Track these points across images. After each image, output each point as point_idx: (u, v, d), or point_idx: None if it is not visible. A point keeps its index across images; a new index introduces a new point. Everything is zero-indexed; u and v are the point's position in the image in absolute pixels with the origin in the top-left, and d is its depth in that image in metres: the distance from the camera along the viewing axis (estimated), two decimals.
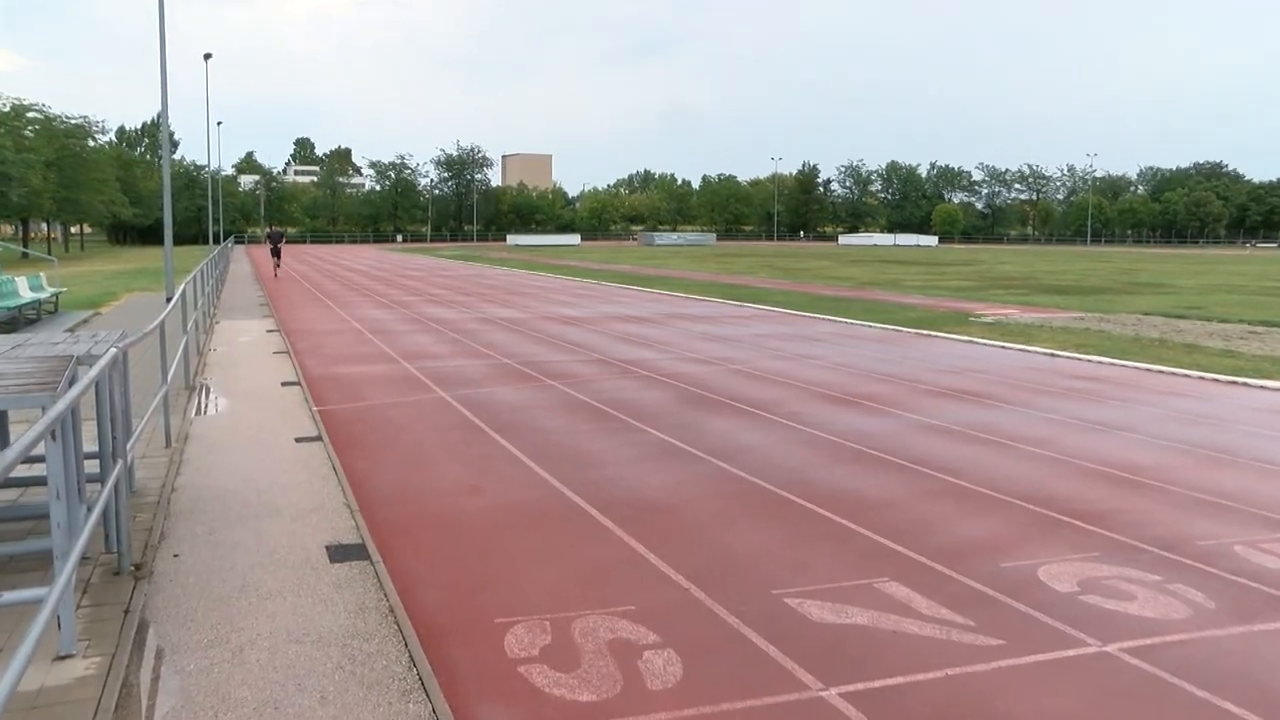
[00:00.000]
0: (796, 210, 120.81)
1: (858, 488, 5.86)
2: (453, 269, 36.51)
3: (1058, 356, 11.92)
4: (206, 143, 44.56)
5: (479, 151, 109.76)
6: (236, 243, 79.01)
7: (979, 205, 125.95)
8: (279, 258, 28.99)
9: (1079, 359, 11.69)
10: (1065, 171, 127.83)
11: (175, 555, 4.61)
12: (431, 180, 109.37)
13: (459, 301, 20.06)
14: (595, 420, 7.80)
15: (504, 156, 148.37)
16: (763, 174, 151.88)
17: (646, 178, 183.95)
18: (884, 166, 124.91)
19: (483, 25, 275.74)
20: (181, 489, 5.75)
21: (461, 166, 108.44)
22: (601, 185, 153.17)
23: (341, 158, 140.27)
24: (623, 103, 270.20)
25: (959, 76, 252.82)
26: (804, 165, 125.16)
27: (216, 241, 60.64)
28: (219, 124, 67.74)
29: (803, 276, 31.45)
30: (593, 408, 8.32)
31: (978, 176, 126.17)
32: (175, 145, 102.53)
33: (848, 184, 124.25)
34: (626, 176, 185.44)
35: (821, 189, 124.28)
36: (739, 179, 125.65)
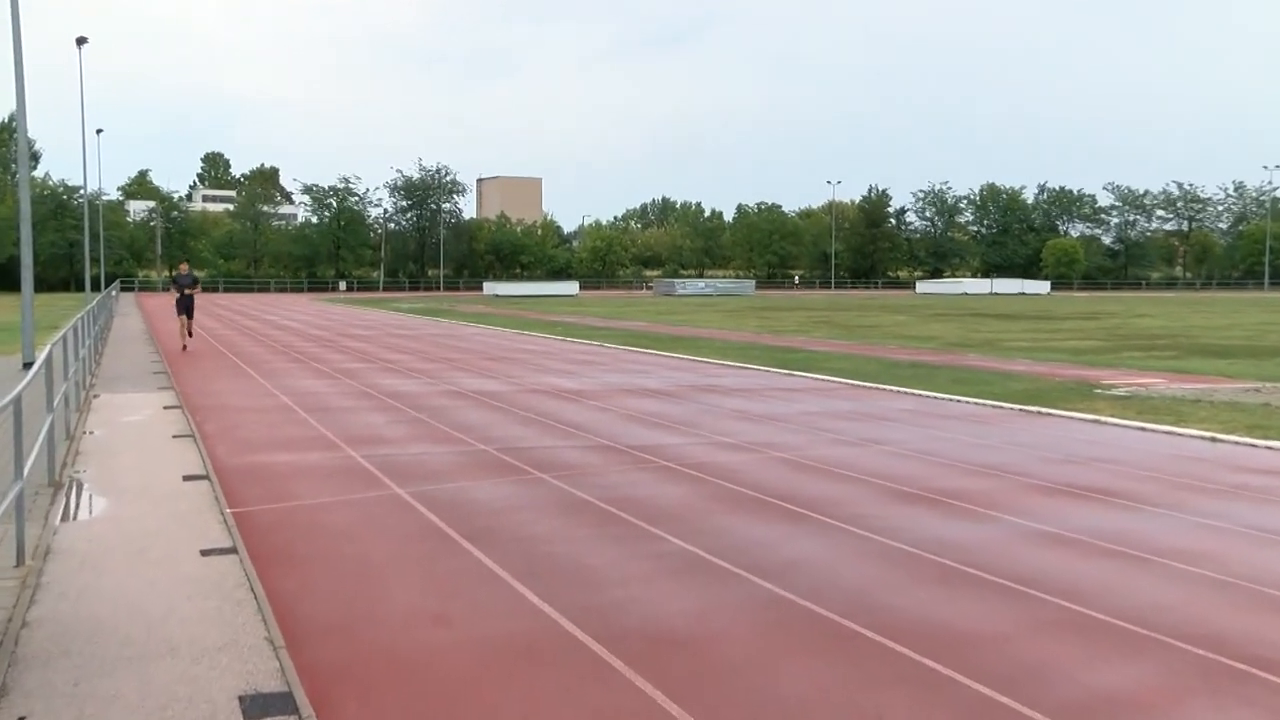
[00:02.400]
0: (861, 249, 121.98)
1: (946, 617, 5.82)
2: (414, 326, 36.89)
3: (1221, 441, 11.87)
4: (82, 157, 45.32)
5: (447, 173, 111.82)
6: (124, 290, 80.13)
7: (1106, 239, 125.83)
8: (190, 314, 24.81)
9: (1253, 445, 11.63)
10: (1231, 192, 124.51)
11: (21, 719, 4.48)
12: (386, 210, 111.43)
13: (422, 370, 20.23)
14: (599, 525, 7.80)
15: (480, 180, 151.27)
16: (816, 203, 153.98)
17: (665, 207, 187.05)
18: (977, 190, 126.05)
19: (453, 9, 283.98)
20: (37, 623, 5.66)
21: (424, 193, 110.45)
22: (607, 217, 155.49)
23: (266, 179, 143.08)
24: (634, 110, 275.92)
25: (1073, 71, 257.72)
26: (870, 190, 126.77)
27: (96, 288, 61.36)
28: (99, 132, 68.97)
29: (870, 336, 31.58)
30: (595, 509, 8.34)
31: (1105, 201, 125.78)
32: (36, 159, 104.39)
33: (928, 214, 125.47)
34: (639, 206, 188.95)
35: (893, 221, 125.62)
36: (785, 209, 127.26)
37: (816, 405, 14.98)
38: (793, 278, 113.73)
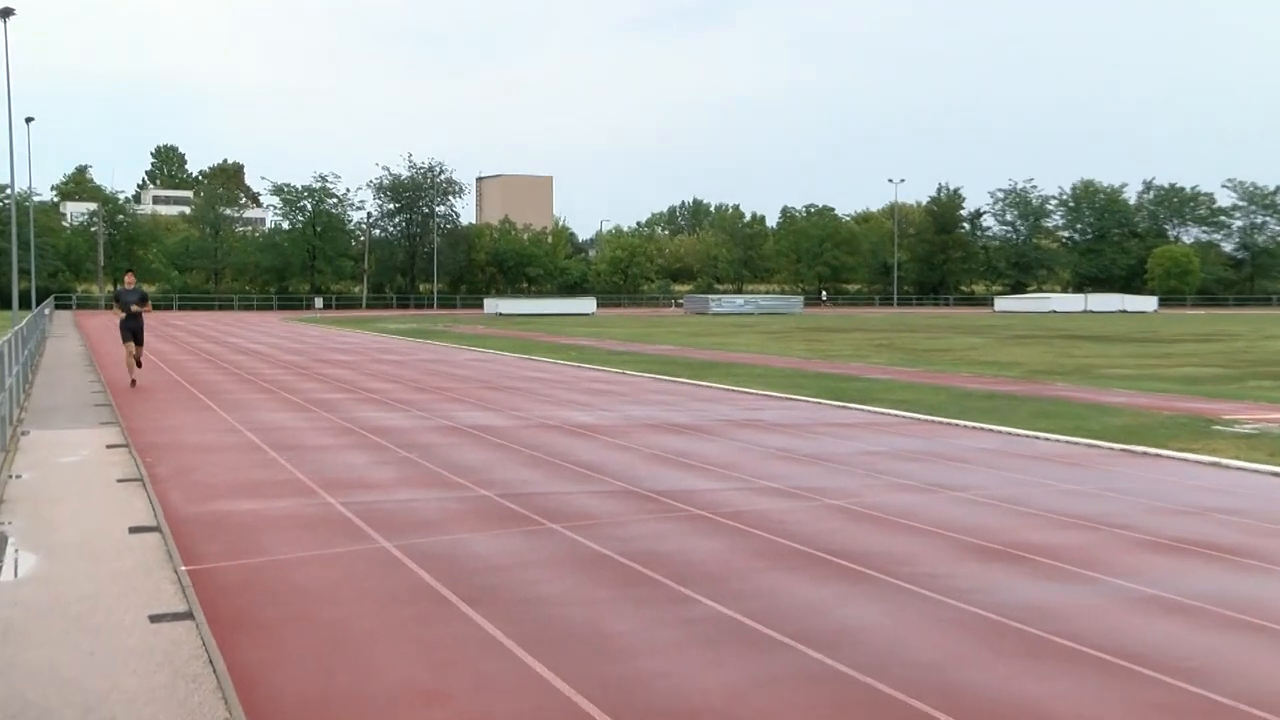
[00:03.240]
0: (929, 259, 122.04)
1: (1033, 698, 5.77)
2: (402, 350, 37.07)
3: None
4: (9, 150, 45.31)
5: (441, 171, 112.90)
6: (60, 306, 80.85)
7: (1227, 246, 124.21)
8: (139, 340, 23.10)
9: None
10: None
11: None
12: (370, 215, 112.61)
13: (411, 401, 20.32)
14: (620, 584, 7.79)
15: (479, 179, 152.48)
16: (875, 205, 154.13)
17: (697, 211, 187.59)
18: (1068, 189, 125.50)
19: None
20: None
21: (415, 194, 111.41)
22: (628, 223, 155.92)
23: (228, 178, 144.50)
24: (660, 98, 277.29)
25: (1183, 44, 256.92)
26: (939, 190, 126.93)
27: (26, 305, 61.99)
28: (29, 121, 69.80)
29: (939, 361, 31.49)
30: (616, 565, 8.32)
31: (1225, 200, 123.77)
32: None
33: (1009, 217, 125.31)
34: (666, 210, 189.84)
35: (967, 226, 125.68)
36: (838, 213, 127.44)
37: (875, 443, 14.93)
38: (821, 294, 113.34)
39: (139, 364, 23.37)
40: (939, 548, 8.99)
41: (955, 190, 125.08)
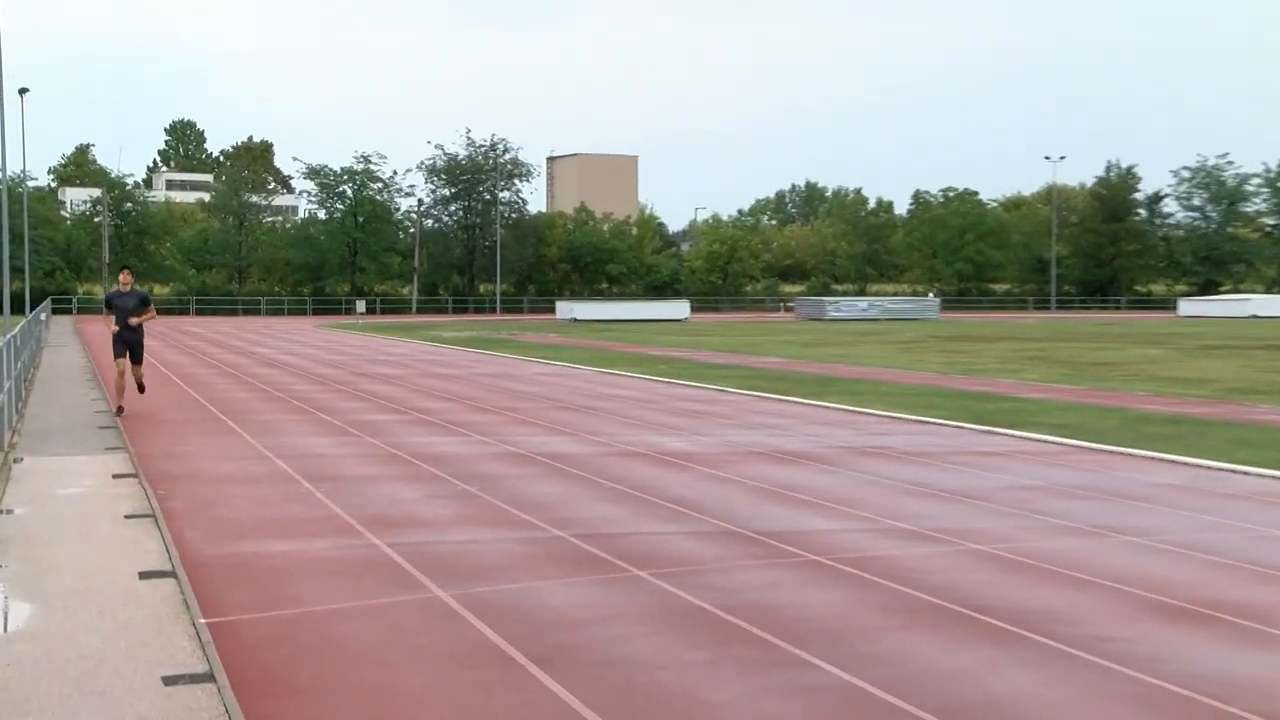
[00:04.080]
0: (1094, 253, 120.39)
1: None
2: (460, 363, 37.35)
3: None
4: None
5: (506, 149, 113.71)
6: (58, 311, 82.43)
7: None
8: (137, 358, 21.55)
9: None
10: None
11: None
12: (421, 202, 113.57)
13: (471, 423, 20.45)
14: (720, 644, 7.75)
15: (551, 159, 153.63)
16: (1028, 188, 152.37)
17: (810, 196, 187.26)
18: (1274, 167, 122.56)
19: None
20: None
21: (474, 177, 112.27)
22: (728, 210, 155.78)
23: (255, 158, 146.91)
24: (767, 62, 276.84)
25: None
26: (1109, 168, 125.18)
27: (19, 309, 62.90)
28: (22, 93, 71.31)
29: (1108, 377, 31.03)
30: (715, 621, 8.28)
31: None
32: None
33: (1197, 201, 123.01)
34: (773, 195, 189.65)
35: (1143, 213, 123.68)
36: (982, 198, 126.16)
37: (1030, 476, 14.76)
38: (929, 295, 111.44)
39: (140, 388, 22.04)
40: (1110, 604, 8.84)
41: (1128, 169, 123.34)
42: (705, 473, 14.93)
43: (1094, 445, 17.53)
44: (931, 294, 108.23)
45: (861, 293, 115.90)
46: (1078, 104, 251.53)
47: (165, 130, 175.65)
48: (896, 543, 10.90)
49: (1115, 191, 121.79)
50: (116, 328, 21.10)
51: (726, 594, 9.00)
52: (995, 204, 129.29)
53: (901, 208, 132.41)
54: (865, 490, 13.69)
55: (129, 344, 21.21)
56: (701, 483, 14.16)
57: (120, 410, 20.87)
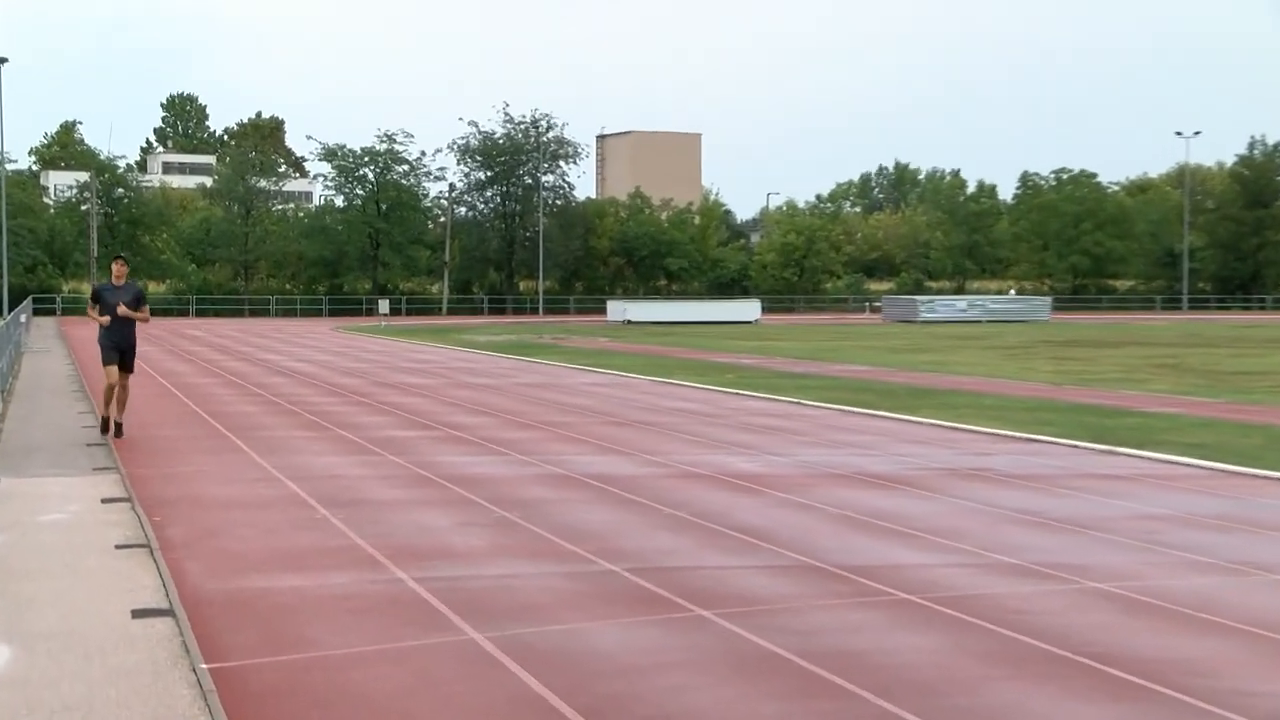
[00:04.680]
0: (1234, 244, 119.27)
1: None
2: (497, 371, 37.44)
3: None
4: None
5: (549, 126, 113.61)
6: (40, 311, 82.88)
7: None
8: (128, 364, 20.28)
9: None
10: None
11: None
12: (452, 188, 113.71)
13: (511, 441, 20.49)
14: (796, 695, 7.75)
15: (601, 138, 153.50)
16: (1157, 169, 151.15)
17: (900, 179, 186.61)
18: None
19: None
20: None
21: (513, 158, 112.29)
22: (805, 196, 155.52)
23: (263, 137, 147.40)
24: (844, 26, 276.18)
25: None
26: (1251, 145, 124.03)
27: None
28: (1, 62, 72.08)
29: (1253, 389, 30.74)
30: (792, 669, 8.28)
31: None
32: None
33: None
34: (857, 178, 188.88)
35: None
36: (1102, 181, 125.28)
37: (1157, 504, 14.65)
38: (1009, 291, 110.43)
39: (120, 406, 20.29)
40: (1254, 654, 8.76)
41: (1275, 146, 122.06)
42: (779, 498, 14.90)
43: (1234, 468, 17.38)
44: (1012, 290, 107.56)
45: (960, 290, 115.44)
46: (1214, 69, 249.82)
47: (162, 106, 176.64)
48: (1001, 579, 10.85)
49: (1260, 172, 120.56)
50: (105, 321, 19.85)
51: (803, 637, 8.98)
52: (1117, 188, 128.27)
53: (1006, 192, 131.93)
54: (964, 519, 13.64)
55: (121, 348, 19.99)
56: (775, 509, 14.15)
57: (113, 428, 20.01)
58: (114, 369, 19.90)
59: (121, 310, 19.87)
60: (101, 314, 19.98)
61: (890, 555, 11.80)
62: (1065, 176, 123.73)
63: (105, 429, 20.25)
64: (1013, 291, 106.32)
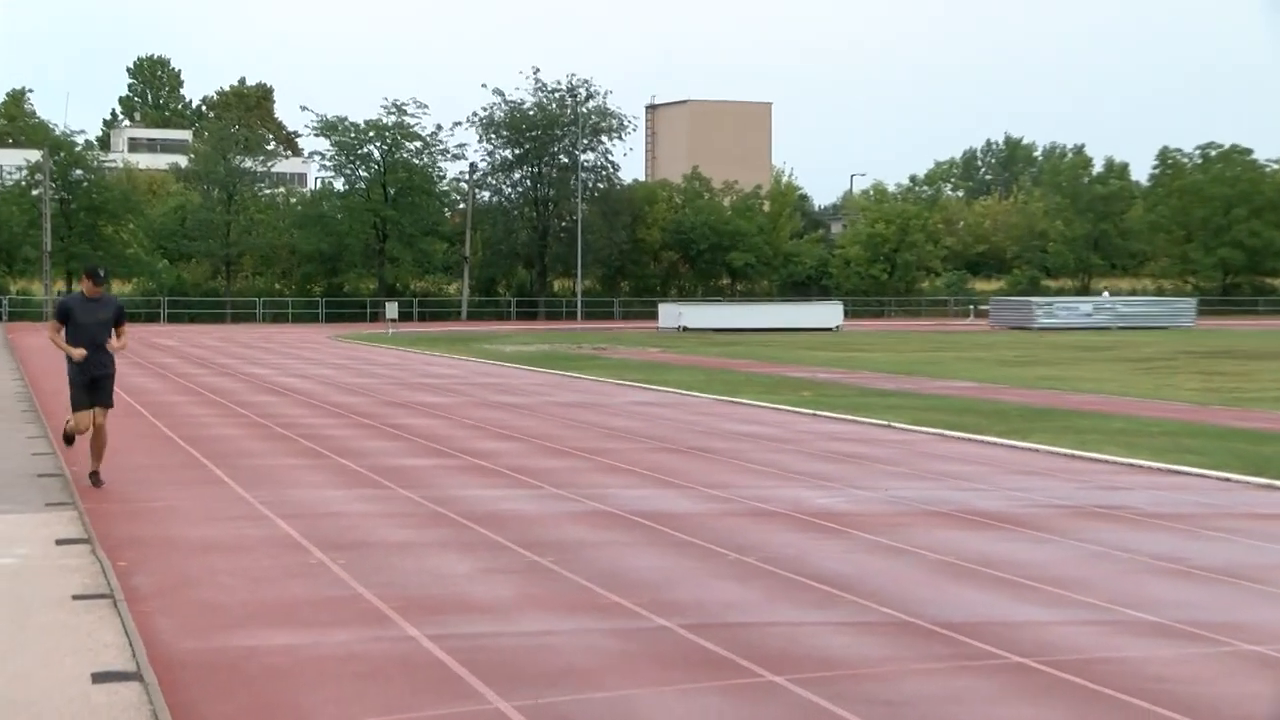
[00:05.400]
0: None
1: None
2: (527, 387, 37.48)
3: None
4: None
5: (589, 95, 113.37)
6: None
7: None
8: (104, 398, 18.49)
9: None
10: None
11: None
12: (474, 168, 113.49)
13: (543, 471, 20.52)
14: None
15: (651, 108, 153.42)
16: None
17: (1011, 157, 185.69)
18: None
19: None
20: None
21: (546, 133, 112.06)
22: (896, 177, 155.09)
23: (249, 109, 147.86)
24: None
25: None
26: None
27: None
28: None
29: None
30: None
31: None
32: None
33: None
34: (959, 156, 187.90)
35: None
36: (1258, 158, 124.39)
37: None
38: (1102, 292, 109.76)
39: (98, 452, 18.87)
40: None
41: None
42: (865, 540, 14.88)
43: None
44: (1106, 293, 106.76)
45: (1084, 290, 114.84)
46: None
47: (128, 71, 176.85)
48: (1135, 640, 10.80)
49: None
50: (79, 355, 17.88)
51: (894, 709, 8.98)
52: (1277, 167, 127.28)
53: (1140, 172, 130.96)
54: (1090, 566, 13.58)
55: (96, 380, 18.26)
56: (860, 554, 14.13)
57: (95, 479, 18.58)
58: (86, 415, 18.27)
59: (113, 345, 18.28)
60: (73, 341, 17.89)
61: (1000, 610, 11.76)
62: (1213, 153, 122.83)
63: (94, 480, 18.53)
64: (1106, 293, 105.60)
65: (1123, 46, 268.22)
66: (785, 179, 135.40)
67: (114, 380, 18.78)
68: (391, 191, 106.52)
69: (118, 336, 18.35)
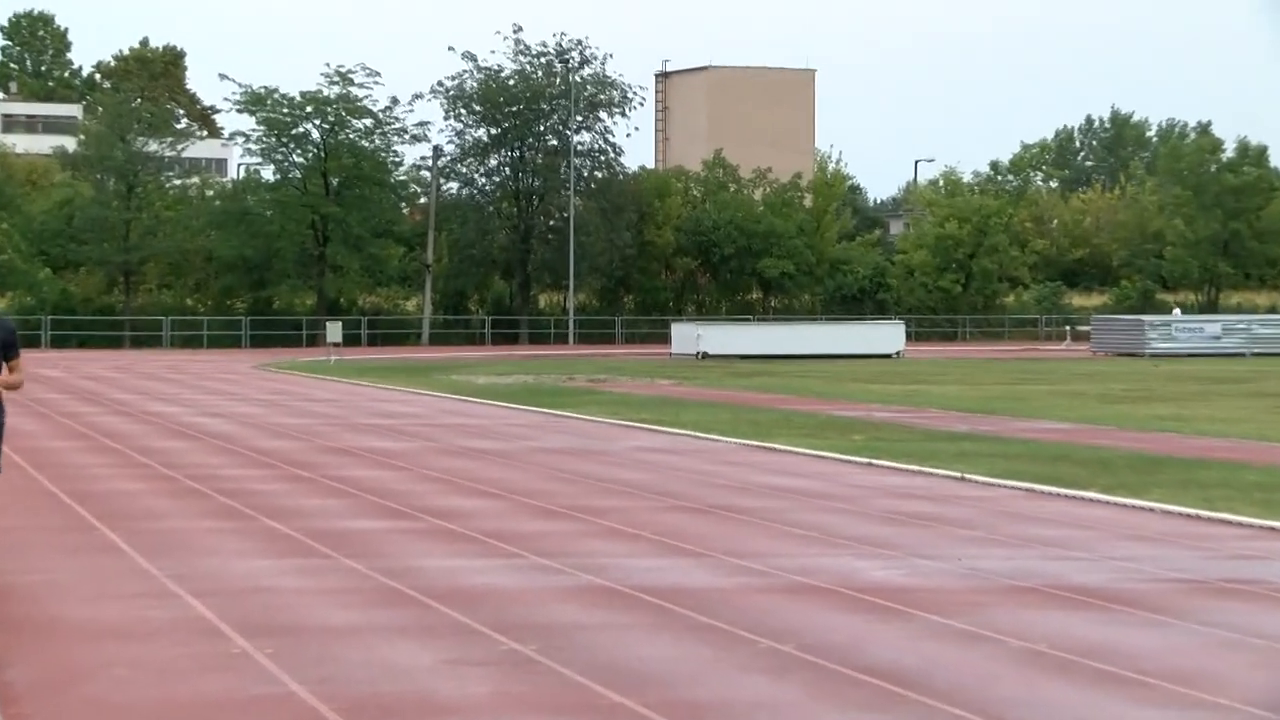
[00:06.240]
0: None
1: None
2: (505, 429, 37.60)
3: None
4: None
5: (585, 59, 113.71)
6: None
7: None
8: None
9: None
10: None
11: None
12: (438, 152, 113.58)
13: (525, 534, 20.53)
14: None
15: (662, 76, 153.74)
16: None
17: (1117, 138, 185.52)
18: None
19: None
20: None
21: (530, 109, 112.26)
22: (972, 166, 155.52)
23: (154, 77, 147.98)
24: None
25: None
26: None
27: None
28: None
29: None
30: None
31: None
32: None
33: None
34: (1050, 137, 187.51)
35: None
36: None
37: None
38: (1172, 309, 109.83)
39: None
40: None
41: None
42: (933, 624, 14.86)
43: None
44: (1177, 310, 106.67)
45: (1211, 306, 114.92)
46: None
47: (2, 32, 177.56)
48: None
49: None
50: None
51: None
52: None
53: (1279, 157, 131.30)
54: (1220, 657, 13.57)
55: None
56: (927, 641, 14.12)
57: None
58: None
59: (2, 382, 16.87)
60: None
61: (1108, 713, 11.74)
62: None
63: None
64: (1177, 311, 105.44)
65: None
66: (832, 166, 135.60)
67: (4, 426, 17.06)
68: (334, 182, 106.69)
69: (8, 371, 16.85)
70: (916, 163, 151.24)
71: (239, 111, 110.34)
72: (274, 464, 29.43)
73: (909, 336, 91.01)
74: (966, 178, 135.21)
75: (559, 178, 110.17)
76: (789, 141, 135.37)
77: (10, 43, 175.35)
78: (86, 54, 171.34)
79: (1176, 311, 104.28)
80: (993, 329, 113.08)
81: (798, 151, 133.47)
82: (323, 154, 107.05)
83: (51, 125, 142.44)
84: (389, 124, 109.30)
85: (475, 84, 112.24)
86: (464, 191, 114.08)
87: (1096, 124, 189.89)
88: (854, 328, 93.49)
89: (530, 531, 20.72)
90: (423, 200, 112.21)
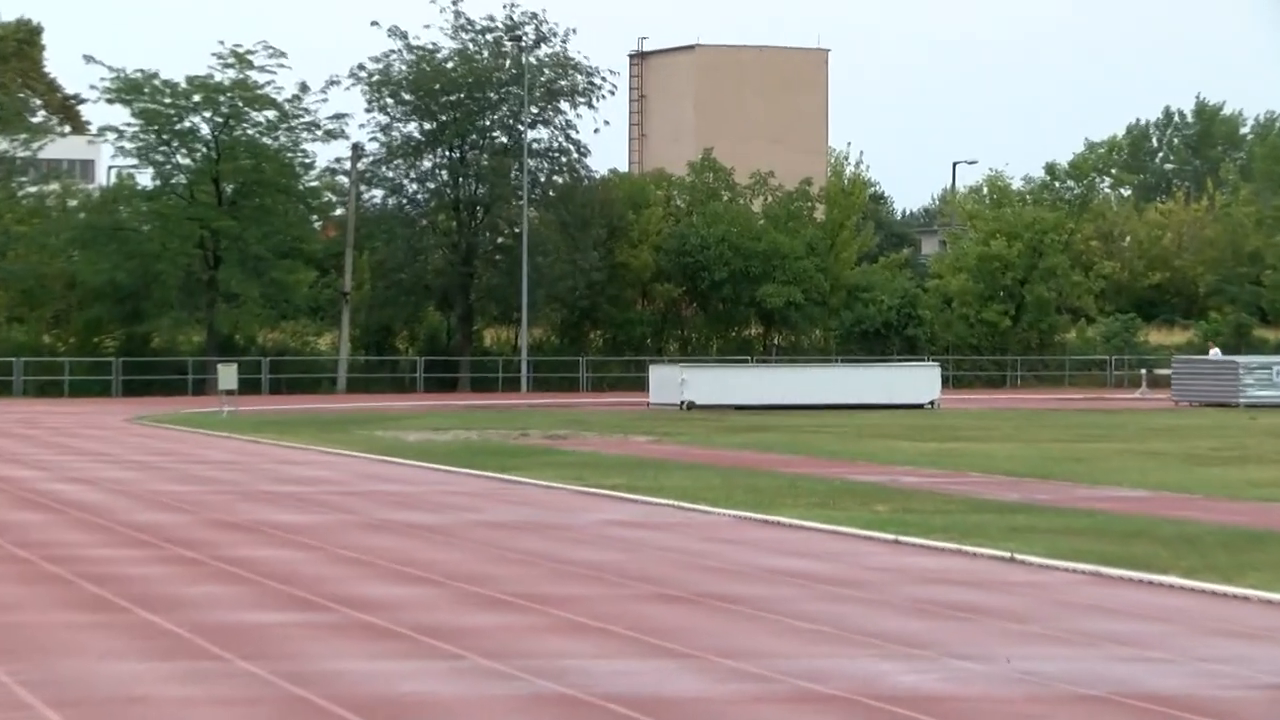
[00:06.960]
0: None
1: None
2: (440, 498, 37.66)
3: None
4: None
5: (541, 36, 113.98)
6: None
7: None
8: None
9: None
10: None
11: None
12: (358, 150, 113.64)
13: (465, 631, 20.58)
14: None
15: (637, 57, 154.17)
16: None
17: (1204, 134, 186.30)
18: None
19: None
20: None
21: (474, 98, 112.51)
22: (1023, 170, 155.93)
23: (4, 57, 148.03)
24: None
25: None
26: None
27: None
28: None
29: None
30: None
31: None
32: None
33: None
34: (1121, 134, 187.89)
35: None
36: None
37: None
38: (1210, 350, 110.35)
39: None
40: None
41: None
42: None
43: None
44: (1216, 351, 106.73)
45: None
46: None
47: None
48: None
49: None
50: None
51: None
52: None
53: None
54: None
55: None
56: None
57: None
58: None
59: None
60: None
61: None
62: None
63: None
64: (1216, 351, 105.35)
65: None
66: (850, 169, 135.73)
67: None
68: (228, 189, 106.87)
69: None
70: (955, 165, 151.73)
71: (109, 101, 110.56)
72: (153, 542, 29.46)
73: (946, 382, 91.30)
74: (1016, 184, 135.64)
75: (509, 184, 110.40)
76: (796, 139, 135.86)
77: None
78: None
79: (1215, 352, 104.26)
80: (1050, 372, 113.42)
81: (807, 151, 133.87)
82: (214, 154, 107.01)
83: None
84: (297, 117, 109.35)
85: (405, 67, 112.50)
86: (390, 201, 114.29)
87: (1177, 118, 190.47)
88: (877, 372, 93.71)
89: (472, 626, 20.77)
90: (339, 212, 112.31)
